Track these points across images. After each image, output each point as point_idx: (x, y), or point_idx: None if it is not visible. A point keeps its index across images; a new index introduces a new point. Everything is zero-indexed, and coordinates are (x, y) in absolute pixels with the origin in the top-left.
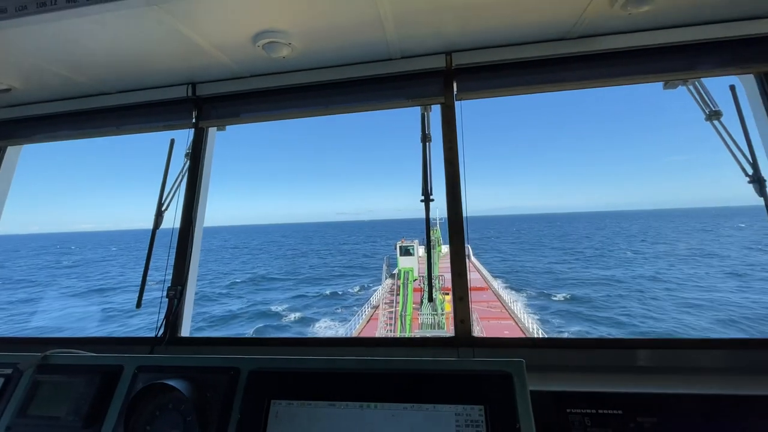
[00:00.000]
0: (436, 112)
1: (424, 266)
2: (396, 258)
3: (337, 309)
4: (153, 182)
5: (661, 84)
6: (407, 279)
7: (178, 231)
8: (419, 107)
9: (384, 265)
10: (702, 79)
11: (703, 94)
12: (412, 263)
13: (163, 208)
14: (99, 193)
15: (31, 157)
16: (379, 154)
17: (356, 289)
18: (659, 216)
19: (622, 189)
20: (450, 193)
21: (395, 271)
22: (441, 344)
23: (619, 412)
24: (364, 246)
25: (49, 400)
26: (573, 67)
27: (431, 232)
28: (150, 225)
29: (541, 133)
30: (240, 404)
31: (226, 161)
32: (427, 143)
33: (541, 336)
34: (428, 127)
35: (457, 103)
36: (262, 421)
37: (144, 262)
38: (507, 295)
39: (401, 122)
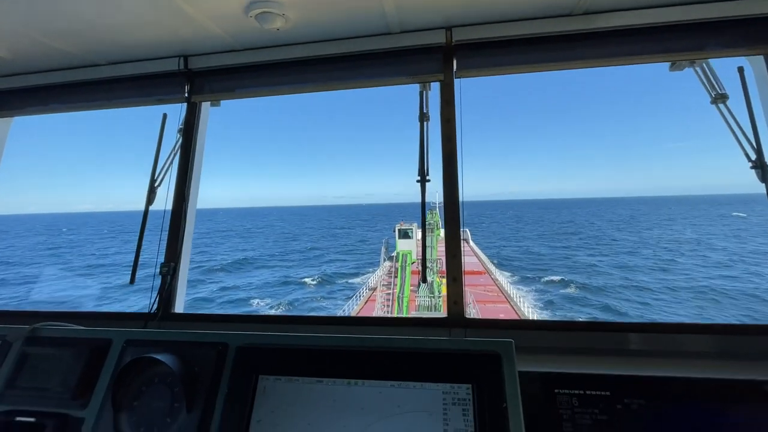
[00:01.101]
0: (435, 91)
1: None
2: (395, 241)
3: (329, 296)
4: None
5: (666, 65)
6: (405, 261)
7: (171, 208)
8: (418, 85)
9: (382, 248)
10: (710, 60)
11: (710, 76)
12: (411, 246)
13: (156, 185)
14: (101, 173)
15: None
16: (377, 136)
17: (353, 277)
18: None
19: (624, 174)
20: (447, 171)
21: (393, 254)
22: (433, 324)
23: (607, 393)
24: (360, 231)
25: (38, 372)
26: (577, 45)
27: (431, 215)
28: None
29: (544, 116)
30: (228, 379)
31: (223, 141)
32: (425, 123)
33: (535, 318)
34: (426, 107)
35: (456, 82)
36: (249, 396)
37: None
38: (504, 279)
39: (401, 104)
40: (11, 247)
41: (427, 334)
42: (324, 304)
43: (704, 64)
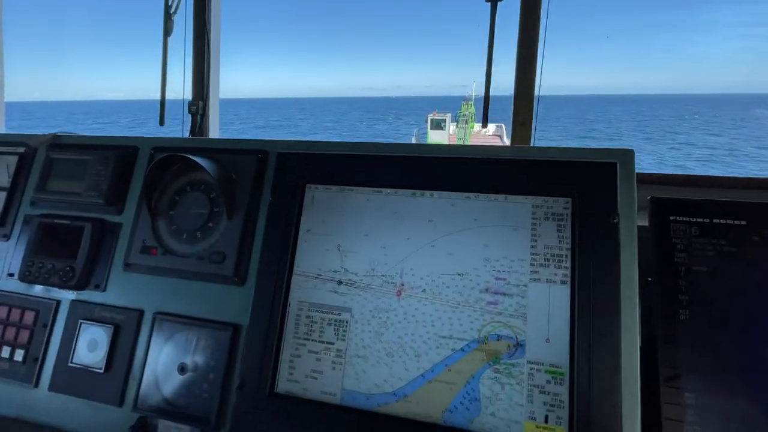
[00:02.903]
0: None
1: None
2: (426, 132)
3: None
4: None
5: None
6: None
7: (192, 38)
8: None
9: (413, 139)
10: None
11: None
12: (443, 138)
13: (172, 11)
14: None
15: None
16: (411, 23)
17: None
18: None
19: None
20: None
21: None
22: None
23: (742, 222)
24: (384, 127)
25: (67, 177)
26: None
27: (465, 107)
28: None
29: None
30: (270, 187)
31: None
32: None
33: None
34: None
35: None
36: (296, 206)
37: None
38: None
39: None
40: None
41: None
42: None
43: None
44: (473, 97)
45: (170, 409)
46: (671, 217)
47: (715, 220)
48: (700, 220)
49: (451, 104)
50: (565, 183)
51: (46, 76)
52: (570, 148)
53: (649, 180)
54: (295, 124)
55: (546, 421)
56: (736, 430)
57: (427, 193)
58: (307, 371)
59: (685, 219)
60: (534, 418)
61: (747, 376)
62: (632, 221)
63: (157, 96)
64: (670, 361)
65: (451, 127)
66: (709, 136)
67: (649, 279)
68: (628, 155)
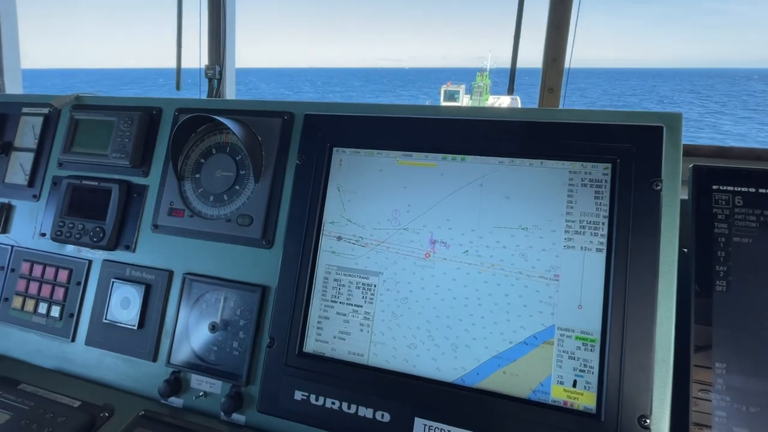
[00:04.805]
0: None
1: None
2: (439, 104)
3: None
4: None
5: None
6: None
7: (207, 2)
8: None
9: None
10: None
11: None
12: None
13: None
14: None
15: None
16: None
17: None
18: None
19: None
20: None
21: None
22: None
23: None
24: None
25: (93, 138)
26: None
27: (480, 77)
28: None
29: None
30: (297, 150)
31: None
32: None
33: None
34: None
35: None
36: (323, 168)
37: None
38: None
39: None
40: None
41: None
42: None
43: None
44: (488, 69)
45: (203, 365)
46: (714, 186)
47: (761, 190)
48: (744, 189)
49: (467, 76)
50: (606, 147)
51: (55, 41)
52: (612, 111)
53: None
54: (300, 95)
55: (574, 385)
56: (766, 406)
57: (459, 157)
58: (335, 332)
59: (728, 188)
60: (562, 383)
61: None
62: (676, 188)
63: (172, 64)
64: (704, 332)
65: (465, 99)
66: None
67: (685, 249)
68: (675, 119)
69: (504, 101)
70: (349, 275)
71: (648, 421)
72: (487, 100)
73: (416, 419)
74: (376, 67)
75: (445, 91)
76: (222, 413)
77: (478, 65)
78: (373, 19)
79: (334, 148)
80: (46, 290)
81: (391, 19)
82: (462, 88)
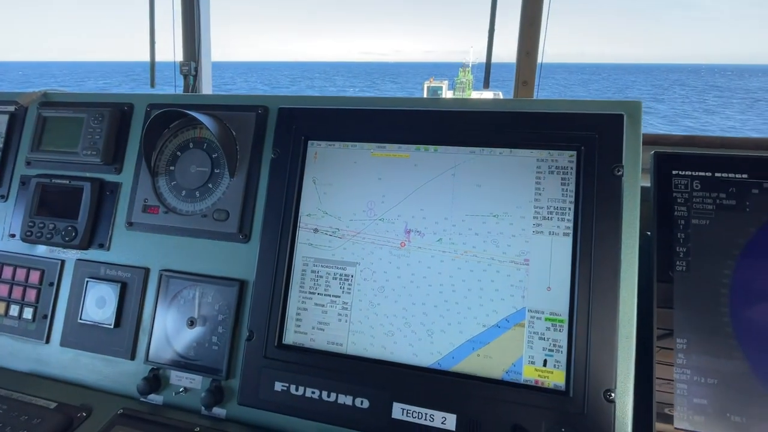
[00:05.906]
0: None
1: None
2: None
3: None
4: None
5: None
6: None
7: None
8: None
9: None
10: None
11: None
12: None
13: None
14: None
15: None
16: None
17: None
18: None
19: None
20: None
21: None
22: None
23: (743, 176)
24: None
25: (61, 136)
26: None
27: (463, 73)
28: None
29: None
30: (272, 144)
31: None
32: None
33: None
34: None
35: None
36: (299, 162)
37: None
38: None
39: None
40: None
41: None
42: None
43: None
44: (471, 64)
45: (182, 361)
46: (674, 171)
47: (716, 174)
48: (702, 174)
49: (451, 71)
50: (571, 136)
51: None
52: (577, 100)
53: (649, 141)
54: (277, 90)
55: (545, 365)
56: (724, 379)
57: (431, 147)
58: (314, 323)
59: (687, 173)
60: (533, 363)
61: (740, 328)
62: (636, 174)
63: (145, 58)
64: (666, 311)
65: (448, 95)
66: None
67: (648, 233)
68: (635, 107)
69: (487, 97)
70: (327, 266)
71: (613, 395)
72: (469, 95)
73: (394, 404)
74: (360, 61)
75: (428, 88)
76: (203, 408)
77: (462, 60)
78: (358, 11)
79: (309, 141)
80: (17, 292)
81: (376, 13)
82: (445, 84)
